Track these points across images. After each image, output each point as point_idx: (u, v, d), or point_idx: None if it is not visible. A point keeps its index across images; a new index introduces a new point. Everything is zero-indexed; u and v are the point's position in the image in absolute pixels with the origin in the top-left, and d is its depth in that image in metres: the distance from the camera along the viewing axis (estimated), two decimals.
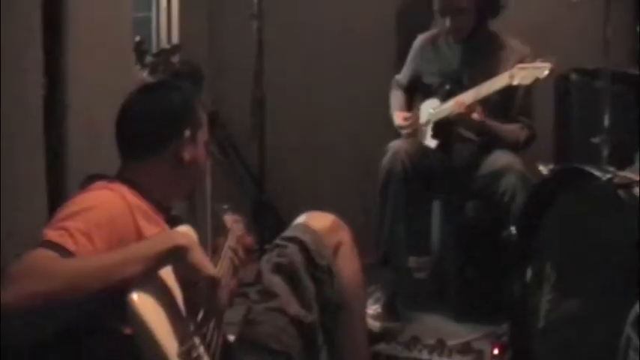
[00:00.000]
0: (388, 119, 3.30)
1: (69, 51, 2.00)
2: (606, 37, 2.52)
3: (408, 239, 3.01)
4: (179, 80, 2.57)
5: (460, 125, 3.04)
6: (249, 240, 2.08)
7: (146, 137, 1.79)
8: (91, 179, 1.75)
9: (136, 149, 1.80)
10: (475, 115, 2.94)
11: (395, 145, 3.03)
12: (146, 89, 1.91)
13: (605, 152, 2.45)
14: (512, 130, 3.06)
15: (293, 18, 3.79)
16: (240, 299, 1.99)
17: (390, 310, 2.95)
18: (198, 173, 1.92)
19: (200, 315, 1.64)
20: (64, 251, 1.47)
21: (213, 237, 2.03)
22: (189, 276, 1.59)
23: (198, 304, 1.64)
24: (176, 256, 1.56)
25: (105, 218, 1.59)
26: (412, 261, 3.29)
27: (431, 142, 3.14)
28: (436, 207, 3.37)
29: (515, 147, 3.03)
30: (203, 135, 1.87)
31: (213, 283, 1.61)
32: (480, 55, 3.11)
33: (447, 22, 3.08)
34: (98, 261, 1.49)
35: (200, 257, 1.59)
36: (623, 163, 2.20)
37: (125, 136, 1.81)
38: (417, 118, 3.23)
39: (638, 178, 1.99)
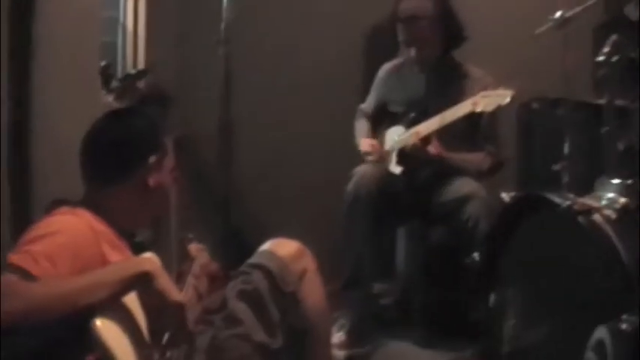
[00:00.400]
0: (354, 146, 3.32)
1: (35, 75, 1.99)
2: (566, 67, 2.58)
3: (374, 265, 3.03)
4: (146, 106, 2.57)
5: (417, 156, 3.06)
6: (215, 267, 2.08)
7: (111, 164, 1.80)
8: (55, 204, 1.74)
9: (101, 176, 1.80)
10: (430, 148, 2.97)
11: (361, 170, 3.05)
12: (111, 116, 1.91)
13: (566, 179, 2.49)
14: (471, 159, 3.09)
15: (260, 44, 3.81)
16: (205, 326, 1.98)
17: (355, 337, 2.95)
18: (164, 199, 1.92)
19: (164, 340, 1.64)
20: (27, 275, 1.47)
21: (177, 264, 2.02)
22: (155, 301, 1.58)
23: (162, 330, 1.63)
24: (142, 281, 1.56)
25: (69, 243, 1.59)
26: (377, 287, 3.30)
27: (396, 169, 3.16)
28: (401, 233, 3.39)
29: (478, 175, 3.07)
30: (169, 161, 1.88)
31: (180, 308, 1.60)
32: (444, 84, 3.15)
33: (412, 51, 3.13)
34: (64, 285, 1.49)
35: (166, 283, 1.59)
36: (583, 189, 2.24)
37: (90, 162, 1.81)
38: (382, 145, 3.26)
39: (596, 205, 2.03)
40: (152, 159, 1.81)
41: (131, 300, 1.58)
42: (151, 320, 1.62)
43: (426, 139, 2.98)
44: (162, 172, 1.85)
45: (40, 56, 1.97)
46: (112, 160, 1.80)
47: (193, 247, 2.04)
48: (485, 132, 3.10)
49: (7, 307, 1.40)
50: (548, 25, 2.65)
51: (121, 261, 1.66)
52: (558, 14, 2.61)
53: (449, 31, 3.12)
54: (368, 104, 3.41)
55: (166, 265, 1.71)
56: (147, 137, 1.84)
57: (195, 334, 1.79)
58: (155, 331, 1.62)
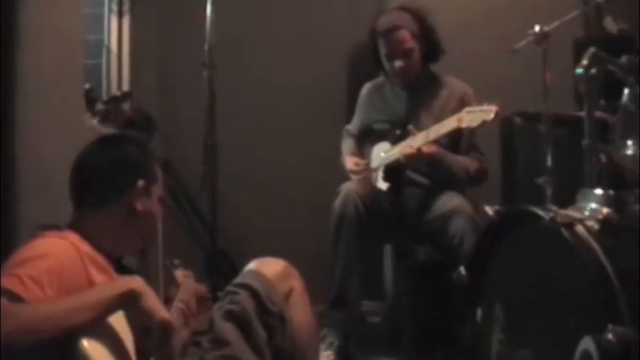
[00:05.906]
0: (339, 166, 3.34)
1: (18, 98, 1.99)
2: (545, 82, 2.61)
3: (361, 283, 3.02)
4: (134, 131, 2.58)
5: (412, 164, 3.06)
6: (202, 288, 2.09)
7: (100, 187, 1.81)
8: (41, 229, 1.75)
9: (90, 199, 1.81)
10: (424, 148, 2.95)
11: (347, 187, 3.05)
12: (102, 140, 1.93)
13: (549, 192, 2.51)
14: (462, 159, 3.09)
15: (244, 66, 3.83)
16: (192, 348, 1.97)
17: (344, 355, 2.94)
18: (151, 227, 1.93)
19: None
20: (15, 298, 1.48)
21: (164, 289, 2.02)
22: (142, 321, 1.59)
23: (149, 350, 1.63)
24: (129, 300, 1.57)
25: (56, 266, 1.60)
26: (365, 305, 3.30)
27: (382, 185, 3.17)
28: (388, 250, 3.40)
29: (467, 179, 3.08)
30: (158, 190, 1.89)
31: (167, 327, 1.60)
32: (424, 98, 3.18)
33: (397, 63, 3.13)
34: (52, 306, 1.50)
35: (153, 302, 1.59)
36: (566, 201, 2.26)
37: (79, 186, 1.82)
38: (368, 163, 3.27)
39: (579, 216, 2.05)
40: (140, 183, 1.82)
41: (118, 320, 1.58)
42: (138, 340, 1.61)
43: (418, 150, 2.98)
44: (152, 198, 1.87)
45: (24, 78, 1.97)
46: (101, 183, 1.81)
47: (180, 274, 2.05)
48: (466, 141, 3.12)
49: None
50: (528, 40, 2.68)
51: (107, 282, 1.67)
52: (537, 29, 2.64)
53: (427, 44, 3.16)
54: (353, 125, 3.43)
55: (153, 290, 1.71)
56: (136, 162, 1.86)
57: (178, 357, 1.78)
58: (142, 351, 1.62)
